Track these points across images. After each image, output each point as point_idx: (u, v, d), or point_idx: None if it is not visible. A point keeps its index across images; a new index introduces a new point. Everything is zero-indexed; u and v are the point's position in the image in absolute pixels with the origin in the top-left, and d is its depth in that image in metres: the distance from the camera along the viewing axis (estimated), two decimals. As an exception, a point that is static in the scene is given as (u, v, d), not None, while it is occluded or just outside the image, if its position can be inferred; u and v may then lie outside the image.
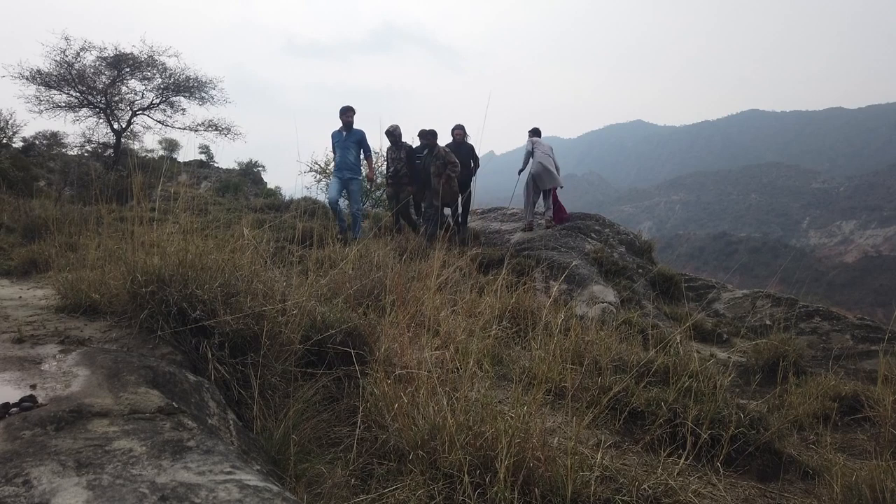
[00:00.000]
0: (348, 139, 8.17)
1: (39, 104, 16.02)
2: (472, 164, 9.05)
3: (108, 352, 2.02)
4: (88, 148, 17.96)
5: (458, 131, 9.31)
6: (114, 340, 2.21)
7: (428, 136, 8.68)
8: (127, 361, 1.89)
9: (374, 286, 3.47)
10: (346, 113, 8.23)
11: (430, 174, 8.42)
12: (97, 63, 16.33)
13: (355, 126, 8.31)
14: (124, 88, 17.18)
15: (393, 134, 8.88)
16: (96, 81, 16.43)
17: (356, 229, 7.87)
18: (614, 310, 6.04)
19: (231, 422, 1.90)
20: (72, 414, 1.48)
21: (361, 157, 8.54)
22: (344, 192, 8.28)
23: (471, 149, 9.12)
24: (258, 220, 8.02)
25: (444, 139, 9.07)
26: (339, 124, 9.02)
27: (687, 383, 2.88)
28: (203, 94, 17.65)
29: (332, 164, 8.65)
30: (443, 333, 2.85)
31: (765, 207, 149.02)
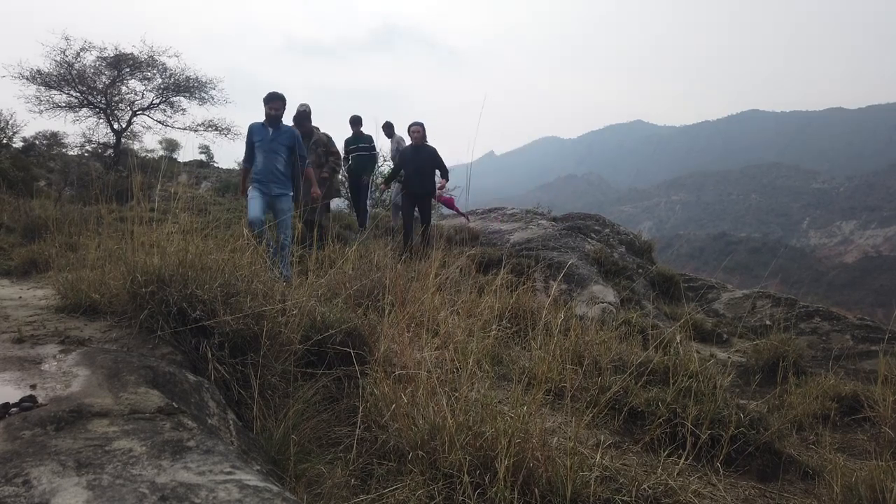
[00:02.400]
0: (277, 139, 5.81)
1: (39, 104, 16.04)
2: (440, 173, 7.65)
3: (108, 352, 2.02)
4: (88, 148, 17.96)
5: (417, 129, 7.48)
6: (114, 340, 2.21)
7: (301, 121, 7.32)
8: (127, 361, 1.89)
9: (374, 286, 3.47)
10: (273, 102, 5.81)
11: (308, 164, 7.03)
12: (97, 63, 16.34)
13: (284, 121, 5.99)
14: (124, 88, 17.19)
15: (302, 113, 7.51)
16: (96, 81, 16.42)
17: (284, 265, 5.28)
18: (614, 310, 6.05)
19: (231, 422, 1.90)
20: (72, 414, 1.48)
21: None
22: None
23: (433, 154, 7.50)
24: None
25: (432, 140, 7.96)
26: (348, 127, 8.53)
27: (686, 383, 2.88)
28: (203, 95, 17.66)
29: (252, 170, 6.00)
30: (442, 334, 2.85)
31: (765, 207, 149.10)
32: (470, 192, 8.77)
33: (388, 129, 9.95)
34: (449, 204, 9.18)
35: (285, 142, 5.90)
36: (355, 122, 9.34)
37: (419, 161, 7.43)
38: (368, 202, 9.47)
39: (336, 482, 1.85)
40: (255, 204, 5.78)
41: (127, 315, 2.37)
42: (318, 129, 7.81)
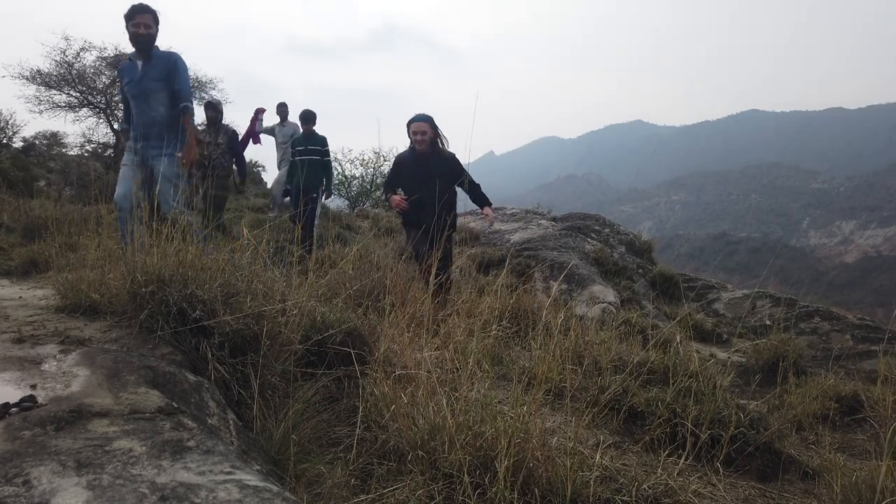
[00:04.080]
0: (148, 75, 4.04)
1: (39, 104, 16.04)
2: (472, 196, 4.96)
3: (108, 352, 2.02)
4: (88, 148, 17.96)
5: (421, 129, 4.62)
6: (114, 340, 2.21)
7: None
8: (127, 361, 1.89)
9: (374, 286, 3.47)
10: (139, 16, 3.98)
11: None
12: (97, 63, 16.34)
13: (160, 46, 4.14)
14: (125, 88, 17.19)
15: (214, 108, 6.66)
16: (96, 81, 16.43)
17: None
18: (614, 310, 6.05)
19: (231, 422, 1.90)
20: (72, 414, 1.48)
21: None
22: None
23: (452, 166, 4.75)
24: (258, 220, 8.02)
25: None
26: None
27: (686, 383, 2.88)
28: (203, 94, 17.66)
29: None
30: (442, 334, 2.85)
31: (765, 207, 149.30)
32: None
33: (283, 110, 8.71)
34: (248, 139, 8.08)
35: (159, 75, 4.05)
36: (306, 118, 7.43)
37: (430, 178, 4.53)
38: (316, 222, 7.31)
39: (336, 482, 1.85)
40: (122, 176, 4.17)
41: (127, 315, 2.37)
42: (227, 126, 6.91)
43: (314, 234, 6.85)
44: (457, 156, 4.78)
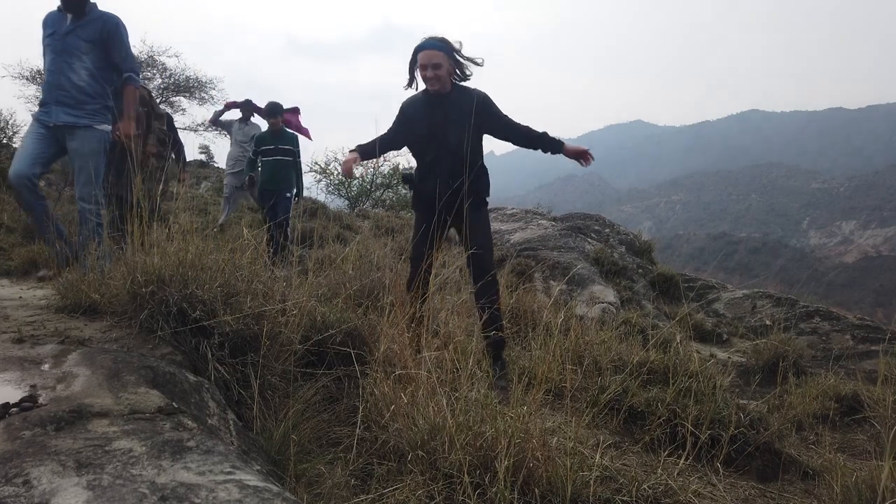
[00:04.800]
0: (75, 32, 3.47)
1: (39, 104, 16.06)
2: (518, 138, 3.39)
3: (108, 352, 2.02)
4: (88, 148, 17.97)
5: (432, 59, 3.02)
6: (114, 340, 2.21)
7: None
8: (127, 361, 1.89)
9: (374, 286, 3.47)
10: None
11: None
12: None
13: (98, 6, 3.57)
14: (124, 89, 17.17)
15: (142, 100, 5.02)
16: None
17: (80, 237, 3.53)
18: (614, 310, 6.05)
19: (231, 422, 1.90)
20: (72, 414, 1.48)
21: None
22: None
23: (483, 105, 3.17)
24: (258, 220, 8.02)
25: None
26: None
27: (686, 383, 2.88)
28: (203, 95, 17.73)
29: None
30: (442, 334, 2.85)
31: (765, 207, 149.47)
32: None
33: (248, 108, 7.74)
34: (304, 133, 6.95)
35: (92, 36, 3.46)
36: (272, 111, 6.28)
37: (450, 130, 3.12)
38: (289, 224, 6.41)
39: (336, 482, 1.85)
40: (24, 146, 3.55)
41: (127, 315, 2.37)
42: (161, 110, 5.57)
43: (288, 233, 6.22)
44: (489, 96, 3.21)
